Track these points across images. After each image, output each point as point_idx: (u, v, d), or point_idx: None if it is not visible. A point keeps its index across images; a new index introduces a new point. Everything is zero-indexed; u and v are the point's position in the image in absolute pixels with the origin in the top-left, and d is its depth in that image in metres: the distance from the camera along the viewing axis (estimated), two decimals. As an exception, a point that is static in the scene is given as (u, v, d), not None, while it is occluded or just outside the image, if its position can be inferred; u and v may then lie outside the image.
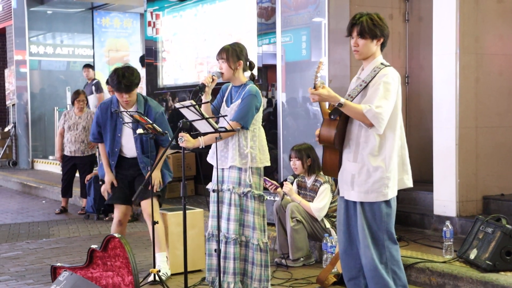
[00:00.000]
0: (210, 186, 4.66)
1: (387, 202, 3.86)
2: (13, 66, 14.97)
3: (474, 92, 6.17)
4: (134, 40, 14.80)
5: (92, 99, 12.02)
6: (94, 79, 12.32)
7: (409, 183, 3.97)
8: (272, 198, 6.35)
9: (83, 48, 14.84)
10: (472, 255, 4.96)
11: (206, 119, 4.15)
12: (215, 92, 4.65)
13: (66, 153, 9.02)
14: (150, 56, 10.60)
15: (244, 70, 4.63)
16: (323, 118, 3.91)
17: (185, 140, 4.33)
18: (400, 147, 3.88)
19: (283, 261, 5.78)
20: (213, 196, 4.58)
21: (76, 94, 9.13)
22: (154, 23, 10.51)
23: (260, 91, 4.57)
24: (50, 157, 14.39)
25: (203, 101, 4.41)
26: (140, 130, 4.96)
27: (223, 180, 4.57)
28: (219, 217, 4.49)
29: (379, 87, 3.75)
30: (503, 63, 6.48)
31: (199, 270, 5.66)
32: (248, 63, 4.65)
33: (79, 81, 14.47)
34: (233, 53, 4.53)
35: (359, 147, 3.85)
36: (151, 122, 4.84)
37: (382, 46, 3.93)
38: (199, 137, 4.36)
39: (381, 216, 3.86)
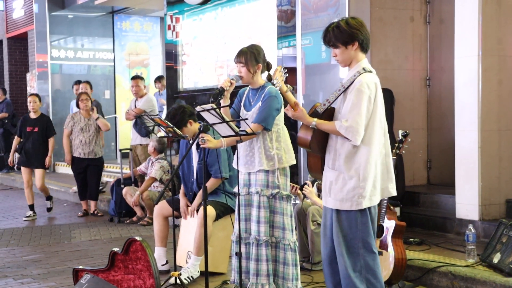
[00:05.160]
0: (237, 189, 4.67)
1: (363, 212, 3.82)
2: (35, 70, 15.09)
3: (496, 94, 6.11)
4: (154, 44, 14.87)
5: None
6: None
7: (393, 191, 3.93)
8: (292, 201, 6.33)
9: (103, 52, 14.92)
10: (496, 259, 4.91)
11: (227, 122, 4.15)
12: (232, 96, 4.66)
13: (78, 155, 9.08)
14: (170, 60, 10.64)
15: (262, 72, 4.63)
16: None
17: (207, 140, 4.35)
18: (384, 155, 3.84)
19: (304, 264, 5.76)
20: (240, 200, 4.59)
21: (79, 95, 9.31)
22: (174, 26, 10.55)
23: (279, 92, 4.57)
24: (65, 161, 14.45)
25: (222, 105, 4.42)
26: (161, 133, 4.98)
27: (250, 183, 4.59)
28: (239, 220, 4.53)
29: (351, 97, 3.72)
30: (526, 65, 6.41)
31: (221, 273, 5.67)
32: (266, 64, 4.65)
33: (100, 84, 14.57)
34: (251, 57, 4.53)
35: (336, 154, 3.84)
36: (171, 125, 4.85)
37: (363, 48, 3.86)
38: (221, 138, 4.39)
39: (356, 225, 3.83)
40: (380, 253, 4.96)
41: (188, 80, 10.42)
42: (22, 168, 9.28)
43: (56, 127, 14.52)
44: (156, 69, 14.68)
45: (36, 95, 9.62)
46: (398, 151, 5.11)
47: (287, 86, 3.80)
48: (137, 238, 4.26)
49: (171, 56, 10.63)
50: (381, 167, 3.83)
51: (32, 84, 15.36)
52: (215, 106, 4.08)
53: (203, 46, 10.15)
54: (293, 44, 7.94)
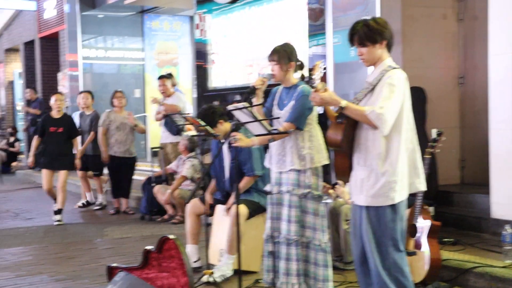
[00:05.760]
0: (268, 188, 4.65)
1: (393, 208, 3.82)
2: (66, 69, 15.25)
3: (532, 92, 5.99)
4: (183, 43, 14.90)
5: None
6: None
7: (421, 186, 3.92)
8: (323, 201, 6.30)
9: (133, 51, 15.01)
10: (534, 260, 4.83)
11: (259, 121, 4.14)
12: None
13: (113, 153, 9.14)
14: (200, 59, 10.66)
15: (295, 71, 4.61)
16: (330, 121, 3.89)
17: (239, 139, 4.36)
18: (411, 150, 3.85)
19: (337, 263, 5.73)
20: (271, 198, 4.58)
21: (114, 93, 9.39)
22: (203, 25, 10.57)
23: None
24: (101, 159, 14.57)
25: (254, 103, 4.41)
26: (192, 132, 4.99)
27: (281, 182, 4.57)
28: (270, 219, 4.53)
29: (382, 88, 3.72)
30: None
31: (254, 272, 5.67)
32: (298, 63, 4.63)
33: (130, 83, 14.65)
34: (284, 55, 4.51)
35: (367, 151, 3.82)
36: (204, 124, 4.86)
37: (389, 47, 3.90)
38: (253, 137, 4.38)
39: (386, 222, 3.82)
40: (414, 253, 4.92)
41: (218, 79, 10.43)
42: (44, 171, 8.78)
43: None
44: (185, 68, 14.72)
45: (60, 93, 9.51)
46: (432, 150, 5.05)
47: (322, 83, 3.77)
48: (171, 236, 4.27)
49: (200, 55, 10.64)
50: (408, 162, 3.84)
51: (64, 84, 15.51)
52: (247, 105, 4.07)
53: (233, 45, 10.16)
54: (321, 42, 7.92)
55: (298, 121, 4.41)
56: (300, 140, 4.48)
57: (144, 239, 7.55)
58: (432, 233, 4.96)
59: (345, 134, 3.84)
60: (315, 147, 4.51)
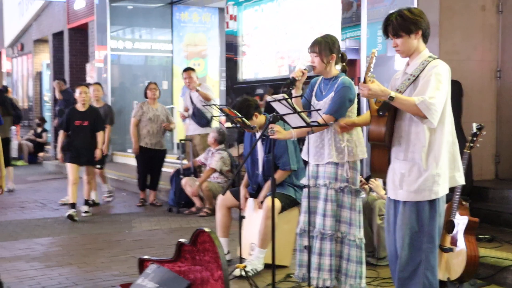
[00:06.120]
0: (304, 181, 4.55)
1: (433, 203, 3.70)
2: (94, 60, 15.28)
3: None
4: (212, 35, 14.83)
5: None
6: None
7: (461, 180, 3.80)
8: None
9: (161, 43, 14.98)
10: None
11: (298, 113, 4.04)
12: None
13: (144, 145, 9.10)
14: (230, 51, 10.58)
15: (336, 63, 4.50)
16: (371, 115, 3.76)
17: (277, 131, 4.27)
18: (451, 143, 3.73)
19: (369, 259, 5.62)
20: (306, 192, 4.48)
21: (148, 84, 9.31)
22: (234, 17, 10.49)
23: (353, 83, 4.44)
24: (128, 150, 14.60)
25: (293, 95, 4.31)
26: (228, 124, 4.92)
27: (318, 176, 4.46)
28: (306, 212, 4.43)
29: (430, 78, 3.59)
30: None
31: (285, 266, 5.59)
32: (340, 55, 4.51)
33: (158, 75, 14.64)
34: (325, 47, 4.40)
35: (409, 145, 3.70)
36: (240, 116, 4.79)
37: (425, 38, 3.76)
38: (291, 129, 4.28)
39: (424, 217, 3.70)
40: (451, 250, 4.80)
41: (248, 71, 10.35)
42: (69, 165, 8.42)
43: (115, 116, 14.81)
44: (214, 60, 14.66)
45: (86, 85, 9.07)
46: (472, 144, 4.92)
47: (371, 74, 3.65)
48: (206, 229, 4.19)
49: (231, 47, 10.56)
50: (448, 155, 3.73)
51: (92, 75, 15.55)
52: (286, 96, 3.97)
53: (264, 37, 10.06)
54: (349, 35, 7.83)
55: (338, 113, 4.30)
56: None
57: (172, 231, 7.51)
58: (470, 230, 4.84)
59: (388, 127, 3.72)
60: (354, 140, 4.40)
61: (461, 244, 4.78)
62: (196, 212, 8.52)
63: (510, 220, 6.20)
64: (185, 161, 9.34)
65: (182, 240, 4.41)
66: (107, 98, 14.76)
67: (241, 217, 4.95)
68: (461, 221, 4.83)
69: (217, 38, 14.65)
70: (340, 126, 4.12)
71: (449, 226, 4.83)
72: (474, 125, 4.96)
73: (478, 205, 6.51)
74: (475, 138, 4.92)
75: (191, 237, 4.29)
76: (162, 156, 9.30)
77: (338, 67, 4.53)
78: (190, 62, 14.45)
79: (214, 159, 8.31)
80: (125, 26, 14.97)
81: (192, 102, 9.19)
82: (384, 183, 4.94)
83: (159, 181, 9.47)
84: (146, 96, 9.29)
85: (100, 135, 8.56)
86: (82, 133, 8.46)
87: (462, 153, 4.11)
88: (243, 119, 4.79)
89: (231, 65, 10.56)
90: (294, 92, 4.30)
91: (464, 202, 4.93)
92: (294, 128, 4.24)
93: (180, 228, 7.66)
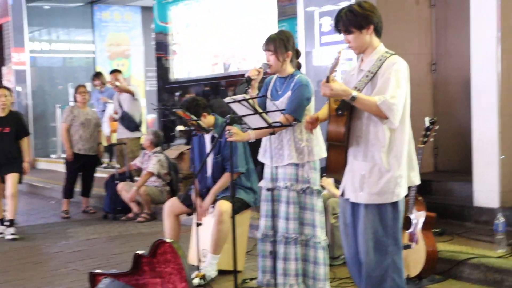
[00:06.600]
0: (263, 184, 4.39)
1: (395, 206, 3.60)
2: (11, 63, 14.64)
3: (517, 77, 5.91)
4: (135, 34, 14.53)
5: None
6: None
7: (416, 180, 3.72)
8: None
9: (82, 43, 14.53)
10: (529, 248, 4.74)
11: (260, 113, 3.87)
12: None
13: (77, 151, 8.70)
14: (160, 50, 10.30)
15: (291, 60, 4.35)
16: (329, 114, 3.63)
17: (234, 133, 4.08)
18: (408, 142, 3.63)
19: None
20: (266, 195, 4.32)
21: (77, 87, 8.90)
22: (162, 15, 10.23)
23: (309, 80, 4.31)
24: (52, 156, 14.10)
25: (249, 95, 4.13)
26: (180, 127, 4.71)
27: (278, 178, 4.30)
28: (267, 216, 4.29)
29: (390, 76, 3.47)
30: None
31: (238, 271, 5.42)
32: (295, 51, 4.38)
33: (80, 77, 14.16)
34: (280, 44, 4.25)
35: (368, 145, 3.57)
36: (195, 118, 4.58)
37: (377, 32, 3.64)
38: (249, 131, 4.11)
39: (388, 220, 3.59)
40: (409, 246, 4.77)
41: (181, 70, 10.09)
42: None
43: (35, 121, 14.25)
44: (137, 59, 14.35)
45: (6, 88, 7.87)
46: (426, 139, 4.90)
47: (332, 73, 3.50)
48: (167, 240, 3.97)
49: (161, 46, 10.28)
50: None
51: (9, 78, 14.87)
52: (248, 97, 3.79)
53: (196, 35, 9.82)
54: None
55: (297, 112, 4.16)
56: (297, 133, 4.22)
57: (112, 239, 7.20)
58: (427, 225, 4.83)
59: (347, 126, 3.60)
60: (313, 139, 4.27)
61: (420, 240, 4.75)
62: (134, 218, 8.22)
63: (457, 212, 6.25)
64: (117, 165, 9.05)
65: (140, 251, 4.17)
66: (28, 102, 14.20)
67: (198, 224, 4.74)
68: (418, 217, 4.81)
69: (140, 37, 14.36)
70: (309, 122, 3.93)
71: (406, 222, 4.79)
72: (427, 120, 4.95)
73: (423, 198, 6.55)
74: (428, 133, 4.91)
75: (150, 249, 4.06)
76: (95, 161, 8.92)
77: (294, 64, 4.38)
78: (113, 62, 14.08)
79: (151, 162, 8.05)
80: (43, 27, 14.44)
81: (120, 106, 8.99)
82: (337, 182, 4.86)
83: (92, 188, 9.08)
84: (75, 100, 8.88)
85: (24, 143, 7.60)
86: (2, 141, 7.44)
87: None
88: (198, 121, 4.59)
89: (161, 64, 10.28)
90: (250, 92, 4.12)
91: (419, 198, 4.91)
92: (254, 129, 4.07)
93: (120, 236, 7.36)
